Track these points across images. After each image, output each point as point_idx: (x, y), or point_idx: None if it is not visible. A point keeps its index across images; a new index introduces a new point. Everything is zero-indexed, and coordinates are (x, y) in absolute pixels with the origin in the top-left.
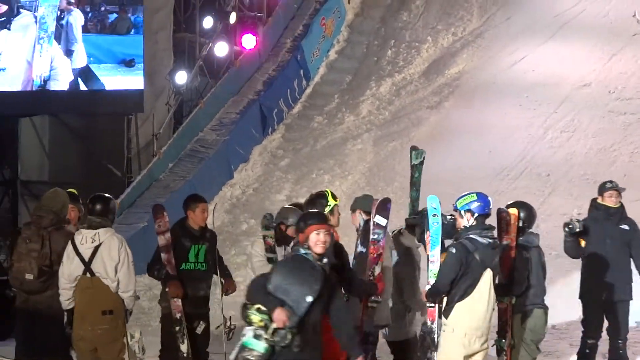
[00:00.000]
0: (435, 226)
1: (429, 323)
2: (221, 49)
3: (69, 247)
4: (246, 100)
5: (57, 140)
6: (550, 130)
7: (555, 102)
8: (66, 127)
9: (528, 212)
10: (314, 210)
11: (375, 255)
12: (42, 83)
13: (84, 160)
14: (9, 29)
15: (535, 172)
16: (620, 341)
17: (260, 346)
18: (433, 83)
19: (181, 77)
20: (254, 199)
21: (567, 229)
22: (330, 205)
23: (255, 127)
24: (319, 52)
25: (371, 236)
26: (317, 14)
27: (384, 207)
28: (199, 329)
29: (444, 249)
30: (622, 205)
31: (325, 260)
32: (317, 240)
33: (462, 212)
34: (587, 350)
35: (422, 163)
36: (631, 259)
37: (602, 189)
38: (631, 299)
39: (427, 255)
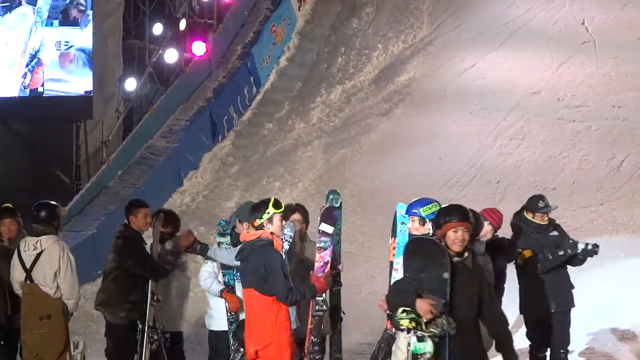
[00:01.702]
0: (402, 234)
1: (388, 331)
2: (171, 55)
3: (15, 254)
4: (196, 107)
5: (4, 146)
6: (499, 138)
7: (505, 110)
8: (13, 133)
9: (476, 220)
10: (455, 204)
11: (321, 263)
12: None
13: (32, 167)
14: None
15: (485, 179)
16: (562, 352)
17: (428, 345)
18: (383, 90)
19: (131, 84)
20: (203, 206)
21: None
22: (268, 213)
23: (205, 134)
24: (270, 59)
25: (317, 244)
26: (267, 21)
27: (330, 215)
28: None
29: None
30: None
31: (465, 254)
32: (454, 238)
33: (427, 220)
34: None
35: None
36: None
37: (535, 207)
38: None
39: (391, 262)
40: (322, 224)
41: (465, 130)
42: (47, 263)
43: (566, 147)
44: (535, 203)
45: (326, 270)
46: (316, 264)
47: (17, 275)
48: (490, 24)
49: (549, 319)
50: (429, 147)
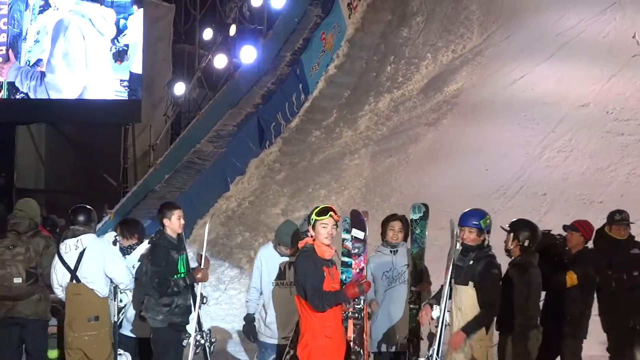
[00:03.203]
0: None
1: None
2: (220, 61)
3: (55, 257)
4: (244, 112)
5: (54, 149)
6: (547, 150)
7: (553, 122)
8: (63, 136)
9: (534, 231)
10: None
11: (357, 270)
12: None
13: (80, 169)
14: None
15: (531, 190)
16: None
17: None
18: (431, 100)
19: (179, 88)
20: (249, 212)
21: None
22: (311, 221)
23: (252, 139)
24: (318, 66)
25: (352, 250)
26: (317, 28)
27: (358, 220)
28: (185, 342)
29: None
30: (631, 235)
31: None
32: None
33: (486, 231)
34: None
35: (423, 218)
36: None
37: (611, 220)
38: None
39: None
40: (354, 229)
41: (512, 142)
42: (92, 259)
43: (614, 161)
44: (612, 216)
45: (360, 277)
46: (352, 271)
47: (59, 277)
48: (540, 35)
49: (628, 336)
50: (476, 158)
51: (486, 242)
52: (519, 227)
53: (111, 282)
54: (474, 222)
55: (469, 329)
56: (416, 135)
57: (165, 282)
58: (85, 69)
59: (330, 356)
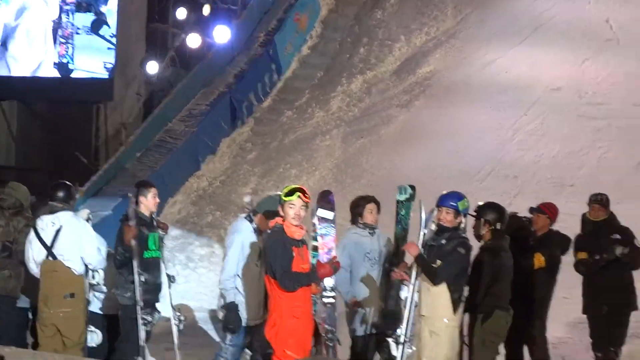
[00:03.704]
0: None
1: None
2: (194, 40)
3: (31, 233)
4: (217, 92)
5: (25, 126)
6: (519, 133)
7: (525, 105)
8: (34, 113)
9: (503, 214)
10: None
11: (325, 250)
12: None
13: (52, 147)
14: None
15: (503, 173)
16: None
17: None
18: (404, 82)
19: (152, 67)
20: (220, 191)
21: (611, 256)
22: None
23: (224, 119)
24: (292, 47)
25: (319, 230)
26: (291, 9)
27: (327, 200)
28: (155, 320)
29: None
30: (610, 218)
31: None
32: None
33: (463, 214)
34: None
35: (409, 200)
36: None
37: (588, 202)
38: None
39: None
40: (320, 209)
41: (485, 125)
42: (69, 237)
43: (586, 145)
44: (589, 198)
45: (331, 257)
46: (320, 251)
47: (35, 254)
48: (514, 18)
49: (602, 319)
50: (448, 140)
51: (462, 225)
52: (488, 210)
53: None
54: (452, 204)
55: (422, 258)
56: (388, 117)
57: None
58: (44, 43)
59: (298, 336)
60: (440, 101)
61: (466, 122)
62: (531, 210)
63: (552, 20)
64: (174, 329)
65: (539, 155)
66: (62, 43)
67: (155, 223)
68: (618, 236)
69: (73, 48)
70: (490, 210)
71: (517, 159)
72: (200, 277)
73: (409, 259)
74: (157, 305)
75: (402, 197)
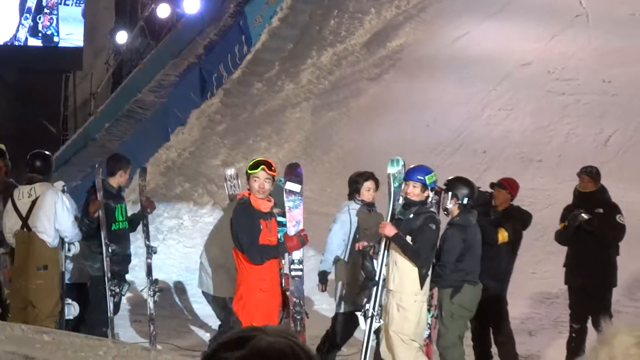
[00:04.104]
0: None
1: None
2: (163, 10)
3: (8, 202)
4: (186, 63)
5: None
6: (488, 107)
7: (494, 80)
8: (2, 81)
9: (472, 189)
10: None
11: (293, 223)
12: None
13: (20, 116)
14: None
15: (471, 148)
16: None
17: None
18: (374, 55)
19: (122, 37)
20: (189, 163)
21: (573, 222)
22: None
23: (194, 90)
24: (262, 18)
25: (286, 203)
26: None
27: (295, 173)
28: (124, 291)
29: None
30: (597, 191)
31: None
32: None
33: (430, 188)
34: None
35: (400, 172)
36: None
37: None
38: (611, 286)
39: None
40: (288, 182)
41: (454, 99)
42: (43, 209)
43: (554, 120)
44: (581, 168)
45: (299, 229)
46: (288, 224)
47: (11, 224)
48: None
49: (583, 299)
50: (417, 114)
51: (429, 199)
52: (457, 185)
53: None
54: (419, 177)
55: (400, 238)
56: (358, 90)
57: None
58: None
59: (265, 310)
60: (410, 75)
61: (435, 96)
62: (492, 185)
63: None
64: (149, 300)
65: (507, 130)
66: (46, 14)
67: (122, 194)
68: (601, 210)
69: (57, 19)
70: (459, 185)
71: (486, 133)
72: (169, 248)
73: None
74: (127, 276)
75: (394, 169)
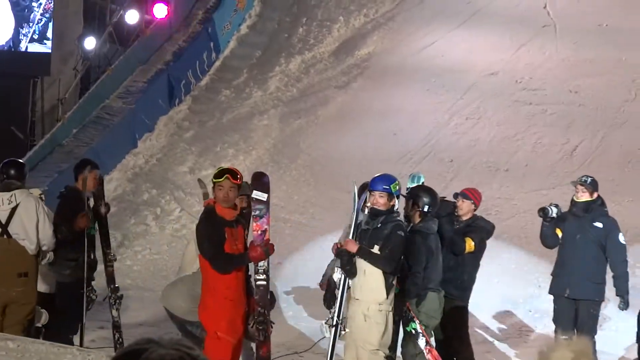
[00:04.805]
0: None
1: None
2: (132, 16)
3: None
4: (154, 69)
5: None
6: (455, 117)
7: (462, 89)
8: None
9: (434, 198)
10: None
11: (259, 232)
12: None
13: None
14: None
15: (438, 157)
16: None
17: None
18: (342, 63)
19: (90, 43)
20: (157, 169)
21: (541, 214)
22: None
23: (162, 97)
24: (230, 25)
25: (253, 212)
26: None
27: (262, 182)
28: (93, 296)
29: None
30: (593, 201)
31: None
32: None
33: (395, 196)
34: None
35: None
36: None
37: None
38: (600, 300)
39: None
40: (255, 191)
41: (421, 108)
42: (26, 216)
43: (521, 130)
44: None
45: (264, 239)
46: (254, 233)
47: None
48: (453, 2)
49: (568, 307)
50: (384, 122)
51: (395, 207)
52: (419, 193)
53: None
54: (385, 187)
55: (364, 252)
56: (326, 98)
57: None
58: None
59: (230, 318)
60: (378, 83)
61: (403, 105)
62: (455, 195)
63: (490, 4)
64: (112, 309)
65: (474, 139)
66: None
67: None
68: (600, 224)
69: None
70: (421, 192)
71: (453, 142)
72: (136, 254)
73: None
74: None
75: (414, 185)
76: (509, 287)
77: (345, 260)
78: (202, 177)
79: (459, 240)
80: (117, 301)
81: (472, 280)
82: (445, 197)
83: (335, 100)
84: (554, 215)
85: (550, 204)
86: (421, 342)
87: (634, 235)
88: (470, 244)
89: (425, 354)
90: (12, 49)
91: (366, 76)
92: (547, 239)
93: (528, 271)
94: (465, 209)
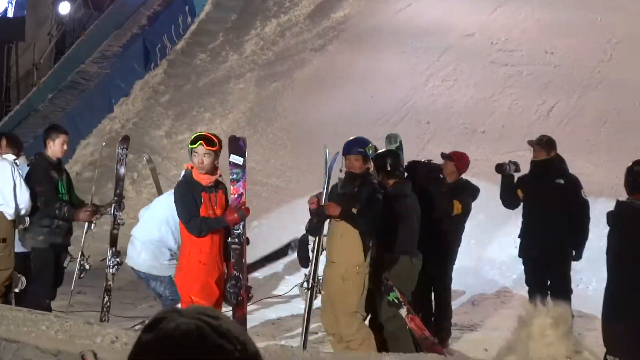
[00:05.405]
0: None
1: None
2: None
3: None
4: (129, 34)
5: None
6: (432, 78)
7: (438, 51)
8: None
9: (395, 157)
10: None
11: (235, 196)
12: None
13: None
14: None
15: (415, 119)
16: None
17: None
18: (318, 26)
19: (64, 8)
20: (133, 134)
21: (498, 170)
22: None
23: (137, 61)
24: None
25: (230, 176)
26: None
27: (238, 145)
28: (66, 263)
29: None
30: (551, 160)
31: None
32: None
33: (370, 158)
34: None
35: (400, 148)
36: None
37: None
38: (567, 259)
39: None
40: (232, 155)
41: (398, 70)
42: (2, 181)
43: (497, 91)
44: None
45: (240, 202)
46: (231, 197)
47: None
48: None
49: (535, 268)
50: (361, 85)
51: (370, 170)
52: (379, 155)
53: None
54: (359, 150)
55: (347, 214)
56: (302, 61)
57: (52, 202)
58: None
59: (203, 282)
60: (354, 46)
61: (379, 67)
62: (442, 155)
63: None
64: (108, 272)
65: (451, 101)
66: None
67: (63, 167)
68: (562, 181)
69: None
70: (382, 155)
71: (430, 104)
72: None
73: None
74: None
75: (393, 146)
76: (486, 248)
77: (315, 221)
78: (178, 142)
79: (444, 202)
80: (116, 266)
81: (457, 242)
82: (431, 160)
83: (312, 63)
84: (512, 172)
85: (509, 161)
86: (402, 311)
87: (610, 194)
88: (457, 206)
89: (408, 323)
90: None
91: (342, 39)
92: (506, 200)
93: (505, 232)
94: (447, 170)
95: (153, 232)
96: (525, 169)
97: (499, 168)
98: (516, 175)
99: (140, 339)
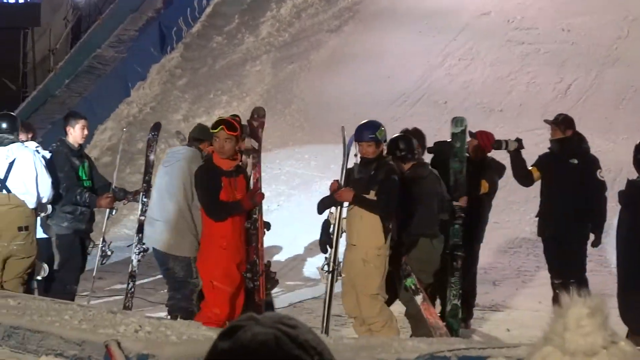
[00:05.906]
0: None
1: None
2: None
3: None
4: (145, 17)
5: None
6: (448, 58)
7: (454, 30)
8: None
9: (408, 141)
10: None
11: (254, 180)
12: None
13: None
14: None
15: (432, 99)
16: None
17: None
18: (334, 6)
19: None
20: (150, 118)
21: (495, 146)
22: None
23: (153, 45)
24: None
25: (252, 160)
26: None
27: (253, 129)
28: (90, 249)
29: None
30: (569, 138)
31: None
32: None
33: (383, 141)
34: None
35: (463, 132)
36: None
37: None
38: (585, 238)
39: None
40: (247, 138)
41: (414, 50)
42: (24, 170)
43: (514, 69)
44: None
45: (254, 187)
46: (252, 181)
47: None
48: None
49: (551, 246)
50: (377, 65)
51: (384, 153)
52: (391, 142)
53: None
54: (370, 136)
55: (360, 199)
56: (318, 42)
57: (73, 188)
58: None
59: (224, 268)
60: (369, 26)
61: (395, 48)
62: (470, 133)
63: None
64: (134, 258)
65: (468, 80)
66: None
67: (84, 152)
68: (575, 161)
69: None
70: (394, 140)
71: (447, 84)
72: (132, 204)
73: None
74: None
75: (457, 130)
76: (505, 227)
77: (327, 203)
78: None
79: (472, 182)
80: (142, 253)
81: (485, 220)
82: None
83: (327, 44)
84: (509, 149)
85: (509, 139)
86: (418, 298)
87: (629, 172)
88: (485, 185)
89: (422, 311)
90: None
91: (358, 19)
92: (517, 177)
93: (525, 211)
94: (471, 148)
95: (169, 206)
96: (527, 148)
97: (496, 144)
98: (522, 153)
99: (216, 346)
